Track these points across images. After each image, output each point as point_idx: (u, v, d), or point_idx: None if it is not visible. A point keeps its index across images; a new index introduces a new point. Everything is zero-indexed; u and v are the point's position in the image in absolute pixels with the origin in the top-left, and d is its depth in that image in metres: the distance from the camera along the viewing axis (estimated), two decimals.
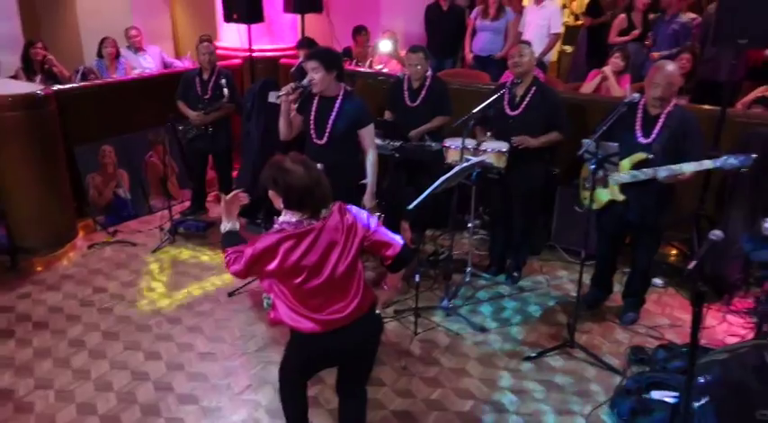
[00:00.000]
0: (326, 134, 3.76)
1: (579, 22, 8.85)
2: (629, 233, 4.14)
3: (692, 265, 2.31)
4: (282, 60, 6.60)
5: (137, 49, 6.82)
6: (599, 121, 3.63)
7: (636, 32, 6.37)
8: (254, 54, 6.40)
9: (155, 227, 5.43)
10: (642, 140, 3.67)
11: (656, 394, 3.22)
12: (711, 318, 4.10)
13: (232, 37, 6.89)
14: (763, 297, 3.76)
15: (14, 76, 6.18)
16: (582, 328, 4.00)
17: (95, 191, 5.44)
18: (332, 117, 3.73)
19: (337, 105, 3.74)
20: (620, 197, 3.75)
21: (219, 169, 5.68)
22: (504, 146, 4.15)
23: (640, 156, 3.65)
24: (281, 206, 2.44)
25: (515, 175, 4.21)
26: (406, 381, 3.57)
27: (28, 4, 7.77)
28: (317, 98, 3.77)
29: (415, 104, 4.62)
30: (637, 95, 3.70)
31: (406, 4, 7.54)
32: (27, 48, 6.33)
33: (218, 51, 5.88)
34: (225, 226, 2.61)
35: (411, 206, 3.66)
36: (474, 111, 3.98)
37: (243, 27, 6.28)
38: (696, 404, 2.82)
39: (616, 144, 3.67)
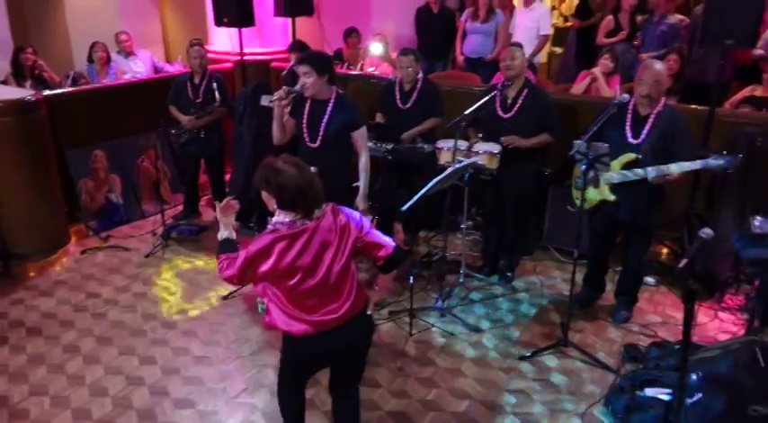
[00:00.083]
0: (319, 137, 3.77)
1: (568, 24, 8.88)
2: (621, 232, 4.17)
3: (683, 263, 2.32)
4: (274, 64, 6.61)
5: (127, 53, 6.82)
6: (589, 122, 3.66)
7: (623, 34, 6.41)
8: (246, 58, 6.39)
9: (147, 232, 5.42)
10: (632, 141, 3.71)
11: (649, 391, 3.25)
12: (703, 315, 4.14)
13: (223, 41, 6.87)
14: (754, 294, 3.80)
15: (4, 82, 6.17)
16: (575, 327, 4.03)
17: (87, 196, 5.43)
18: (324, 120, 3.74)
19: (329, 108, 3.75)
20: (611, 197, 3.78)
21: (212, 173, 5.68)
22: (495, 147, 4.17)
23: (629, 156, 3.68)
24: (275, 207, 2.46)
25: (507, 175, 4.24)
26: (401, 381, 3.58)
27: (17, 9, 7.74)
28: (309, 101, 3.77)
29: (407, 107, 4.64)
30: (626, 96, 3.73)
31: (396, 6, 7.55)
32: (17, 53, 6.30)
33: (209, 55, 5.87)
34: (222, 234, 2.65)
35: (404, 208, 3.68)
36: (466, 112, 4.00)
37: (234, 31, 6.27)
38: (689, 400, 2.87)
39: (606, 145, 3.70)
